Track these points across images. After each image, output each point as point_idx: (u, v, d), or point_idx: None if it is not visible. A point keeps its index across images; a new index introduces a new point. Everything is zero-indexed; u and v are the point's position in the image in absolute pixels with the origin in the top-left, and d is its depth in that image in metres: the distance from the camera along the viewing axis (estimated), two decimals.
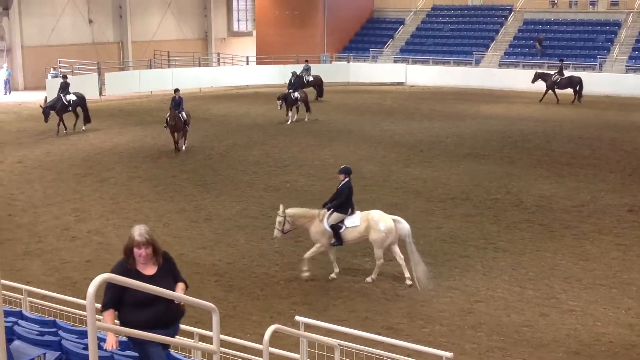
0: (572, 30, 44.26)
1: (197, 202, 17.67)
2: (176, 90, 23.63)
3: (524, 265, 13.43)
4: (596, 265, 13.46)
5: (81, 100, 26.61)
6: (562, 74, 36.12)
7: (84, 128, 26.82)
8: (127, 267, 6.06)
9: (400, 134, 26.66)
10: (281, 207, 12.74)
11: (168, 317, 6.08)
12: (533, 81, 36.89)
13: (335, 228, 12.64)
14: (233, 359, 7.94)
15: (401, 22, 49.67)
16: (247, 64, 44.99)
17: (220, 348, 6.64)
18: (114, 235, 15.13)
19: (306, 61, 38.16)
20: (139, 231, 6.11)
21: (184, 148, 23.19)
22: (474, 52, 43.90)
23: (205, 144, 24.52)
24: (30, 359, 5.31)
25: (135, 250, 6.05)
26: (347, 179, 12.96)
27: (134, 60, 43.41)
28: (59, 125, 25.86)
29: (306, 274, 12.71)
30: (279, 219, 12.70)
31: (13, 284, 9.37)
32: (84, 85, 35.31)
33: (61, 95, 26.16)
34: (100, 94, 35.73)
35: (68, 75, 29.61)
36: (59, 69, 37.37)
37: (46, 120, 25.56)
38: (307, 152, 23.31)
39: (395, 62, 45.17)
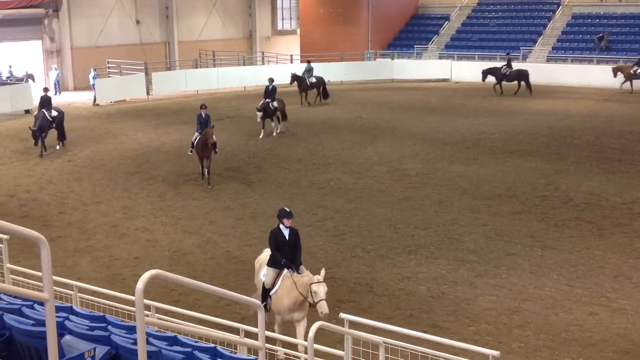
0: (622, 24, 43.25)
1: (242, 200, 17.82)
2: (202, 106, 19.85)
3: (573, 263, 13.21)
4: None
5: (61, 115, 23.94)
6: (511, 67, 36.66)
7: (58, 147, 23.87)
8: None
9: (445, 131, 26.43)
10: (323, 271, 9.80)
11: None
12: (483, 79, 37.56)
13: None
14: (278, 355, 7.98)
15: (446, 18, 49.20)
16: (291, 62, 45.09)
17: (266, 344, 6.69)
18: (161, 233, 15.37)
19: (308, 61, 35.77)
20: None
21: (207, 175, 19.33)
22: (521, 47, 43.22)
23: (250, 142, 24.68)
24: (81, 353, 5.40)
25: None
26: None
27: (180, 59, 43.88)
28: (43, 144, 22.96)
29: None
30: (325, 288, 9.56)
31: (64, 280, 9.60)
32: (132, 85, 36.00)
33: (44, 111, 23.24)
34: (148, 93, 36.25)
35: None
36: (107, 69, 38.04)
37: (36, 143, 22.63)
38: (350, 150, 23.29)
39: (440, 58, 44.75)
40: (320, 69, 41.82)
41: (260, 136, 25.33)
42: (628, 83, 35.73)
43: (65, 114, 24.67)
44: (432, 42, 47.31)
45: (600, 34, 41.71)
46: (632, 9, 44.17)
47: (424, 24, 50.03)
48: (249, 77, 40.25)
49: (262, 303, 9.43)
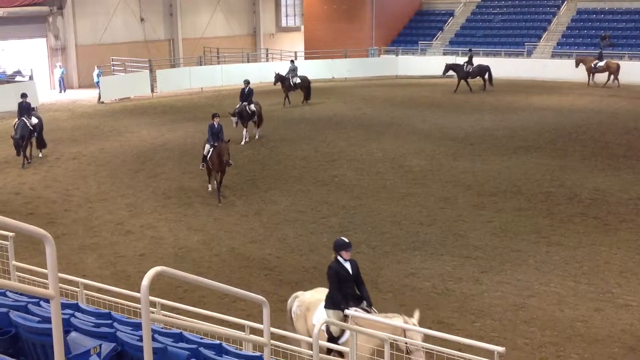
0: (627, 20, 43.10)
1: (247, 197, 17.82)
2: (215, 115, 17.92)
3: (578, 259, 13.18)
4: None
5: (41, 122, 22.39)
6: (472, 64, 36.71)
7: (40, 155, 22.44)
8: None
9: (450, 127, 26.39)
10: (417, 313, 8.33)
11: None
12: (444, 73, 37.68)
13: None
14: (283, 352, 7.99)
15: (451, 14, 49.12)
16: (296, 59, 45.09)
17: (271, 340, 6.69)
18: (166, 230, 15.39)
19: (292, 61, 34.72)
20: None
21: (218, 191, 17.75)
22: (526, 43, 43.13)
23: (254, 139, 24.66)
24: (87, 350, 5.42)
25: None
26: None
27: (185, 57, 43.94)
28: (25, 154, 21.56)
29: None
30: (423, 335, 8.02)
31: (70, 277, 9.61)
32: (136, 82, 36.04)
33: (24, 119, 21.57)
34: (152, 91, 36.29)
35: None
36: (112, 66, 38.07)
37: (19, 152, 21.24)
38: (355, 146, 23.27)
39: (444, 54, 44.67)
40: (325, 66, 41.93)
41: (242, 143, 23.71)
42: (604, 76, 36.38)
43: (42, 121, 22.88)
44: (437, 38, 47.24)
45: (603, 34, 41.60)
46: (637, 4, 43.99)
47: (428, 20, 49.96)
48: (253, 74, 40.11)
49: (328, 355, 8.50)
